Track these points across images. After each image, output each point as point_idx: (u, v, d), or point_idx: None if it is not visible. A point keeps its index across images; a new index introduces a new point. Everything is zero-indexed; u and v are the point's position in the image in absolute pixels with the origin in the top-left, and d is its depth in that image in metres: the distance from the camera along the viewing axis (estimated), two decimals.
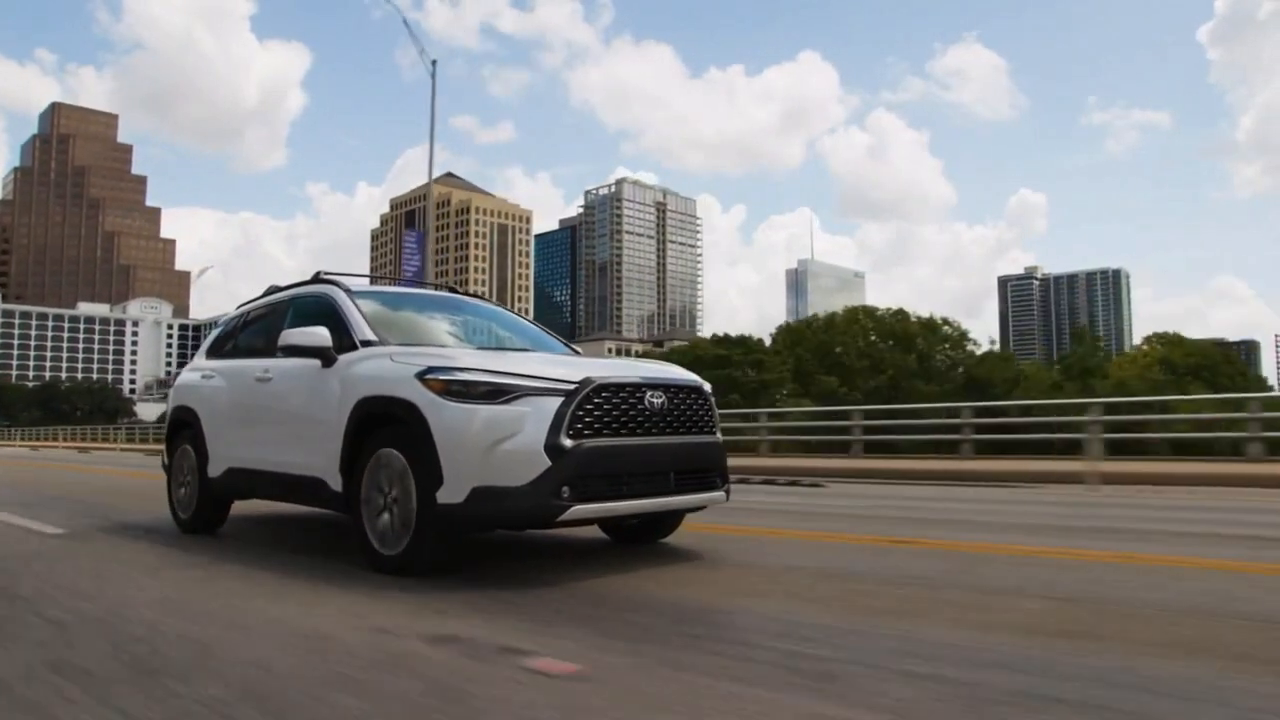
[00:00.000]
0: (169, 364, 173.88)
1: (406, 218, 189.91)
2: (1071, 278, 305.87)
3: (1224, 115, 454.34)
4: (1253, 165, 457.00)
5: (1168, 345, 56.36)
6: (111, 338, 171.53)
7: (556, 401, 3.55)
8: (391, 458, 3.73)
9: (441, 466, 3.48)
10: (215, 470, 5.16)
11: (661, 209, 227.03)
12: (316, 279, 5.15)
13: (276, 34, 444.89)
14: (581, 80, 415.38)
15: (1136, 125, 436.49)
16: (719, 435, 4.29)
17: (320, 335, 4.23)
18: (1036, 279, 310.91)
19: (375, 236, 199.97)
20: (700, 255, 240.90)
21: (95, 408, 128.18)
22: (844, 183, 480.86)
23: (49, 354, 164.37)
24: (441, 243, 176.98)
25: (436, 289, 6.20)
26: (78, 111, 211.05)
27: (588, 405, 3.62)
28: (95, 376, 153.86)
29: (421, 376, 3.64)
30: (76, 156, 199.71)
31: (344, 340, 4.27)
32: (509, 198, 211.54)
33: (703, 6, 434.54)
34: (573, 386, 3.61)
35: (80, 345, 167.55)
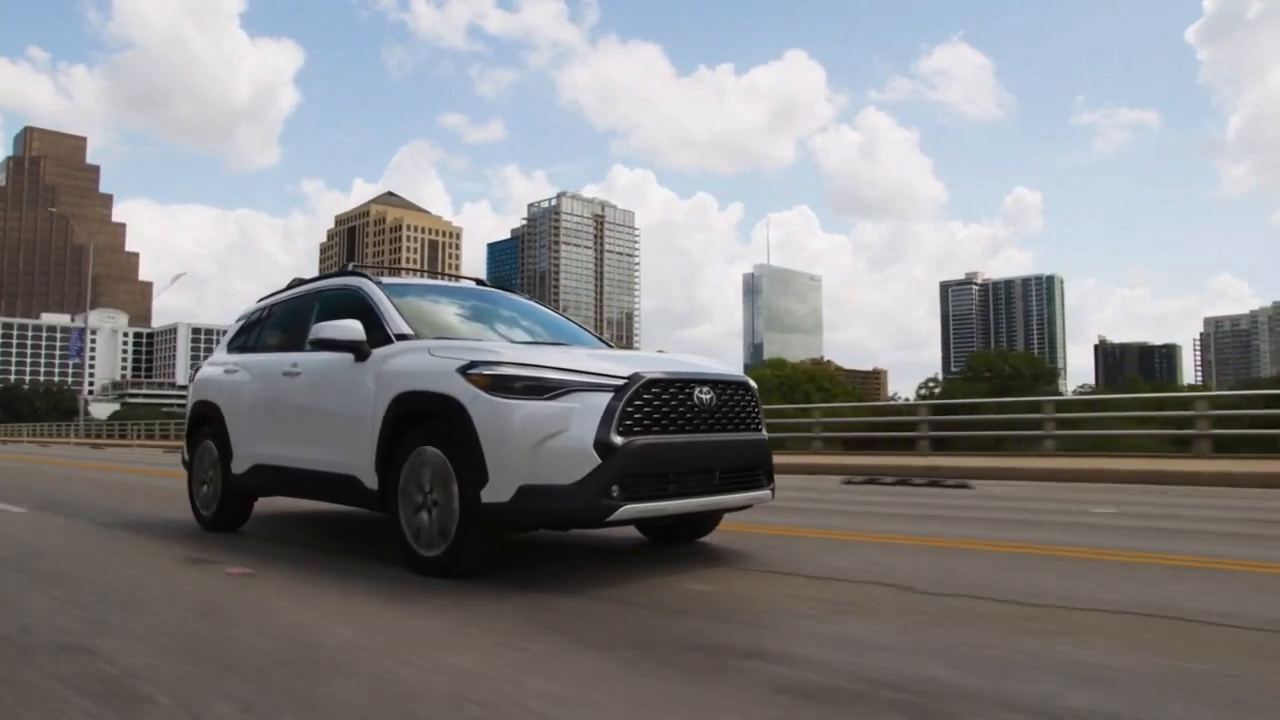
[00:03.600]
0: (124, 368, 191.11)
1: (348, 234, 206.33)
2: (1009, 283, 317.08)
3: (1210, 115, 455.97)
4: (1241, 164, 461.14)
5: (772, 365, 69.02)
6: (72, 345, 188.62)
7: (606, 397, 3.45)
8: (431, 455, 3.62)
9: (486, 464, 3.37)
10: (240, 467, 5.02)
11: (600, 221, 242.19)
12: (344, 271, 5.07)
13: (267, 31, 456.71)
14: (569, 80, 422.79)
15: (1125, 125, 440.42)
16: (765, 433, 4.17)
17: (354, 329, 4.11)
18: (976, 284, 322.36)
19: (323, 250, 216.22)
20: (638, 264, 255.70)
21: (52, 407, 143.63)
22: (836, 181, 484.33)
23: (13, 359, 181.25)
24: (377, 257, 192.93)
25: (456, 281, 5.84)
26: (49, 134, 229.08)
27: (637, 401, 3.50)
28: (56, 379, 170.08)
29: (464, 371, 3.53)
30: (47, 176, 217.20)
31: (377, 334, 4.15)
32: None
33: (687, 6, 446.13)
34: (622, 381, 3.50)
35: (43, 352, 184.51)
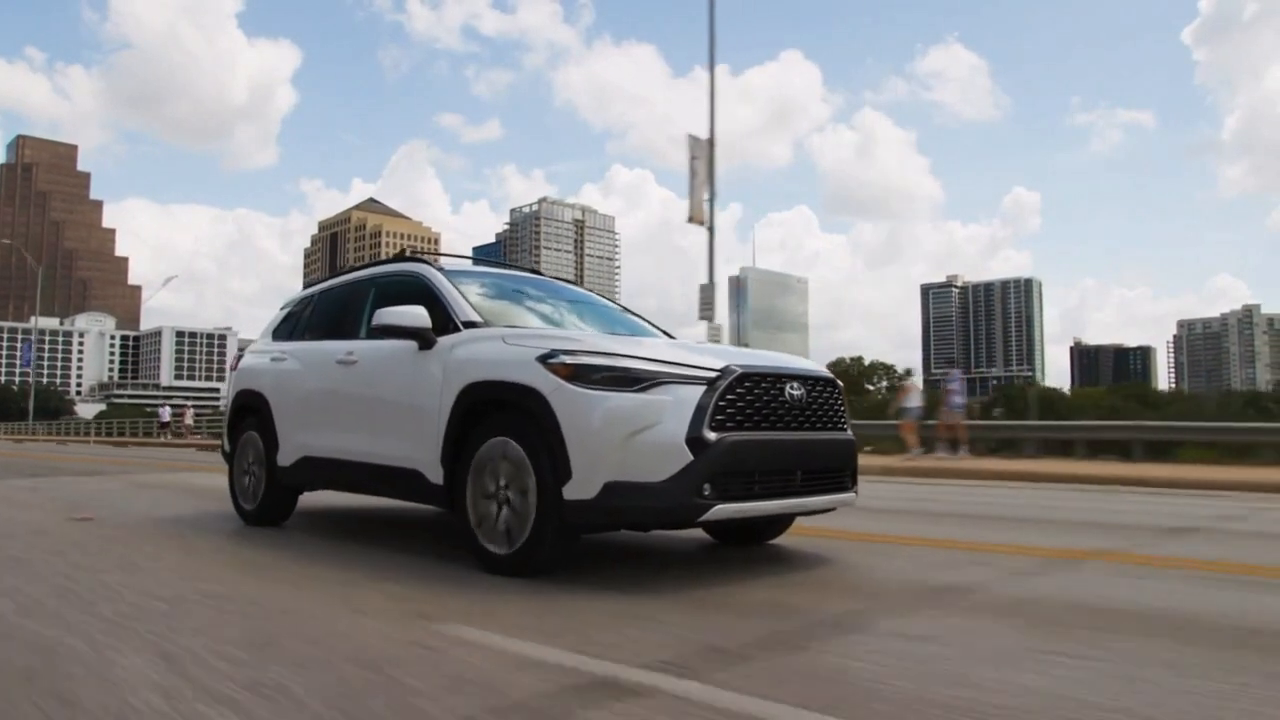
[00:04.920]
0: (111, 370, 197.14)
1: (330, 239, 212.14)
2: (988, 286, 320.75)
3: (1206, 116, 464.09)
4: (1237, 165, 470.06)
5: None
6: (60, 348, 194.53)
7: (698, 390, 3.29)
8: (506, 448, 3.47)
9: (570, 459, 3.21)
10: (287, 459, 4.85)
11: (580, 225, 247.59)
12: (402, 257, 4.87)
13: (264, 31, 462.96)
14: (565, 80, 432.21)
15: (1121, 125, 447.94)
16: (850, 432, 4.03)
17: (419, 315, 3.94)
18: (956, 287, 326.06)
19: (308, 255, 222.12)
20: (619, 267, 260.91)
21: (40, 407, 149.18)
22: (834, 181, 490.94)
23: (4, 361, 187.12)
24: (359, 262, 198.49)
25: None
26: (41, 142, 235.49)
27: (730, 395, 3.35)
28: (45, 381, 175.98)
29: (545, 360, 3.37)
30: (38, 183, 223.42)
31: (443, 321, 3.98)
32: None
33: (681, 7, 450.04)
34: (714, 374, 3.35)
35: (32, 354, 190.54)
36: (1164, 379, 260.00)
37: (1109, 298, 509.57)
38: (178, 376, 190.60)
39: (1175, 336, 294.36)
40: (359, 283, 4.99)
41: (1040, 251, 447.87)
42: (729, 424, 3.34)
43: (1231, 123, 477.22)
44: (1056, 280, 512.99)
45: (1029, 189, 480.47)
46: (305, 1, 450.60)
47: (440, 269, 4.44)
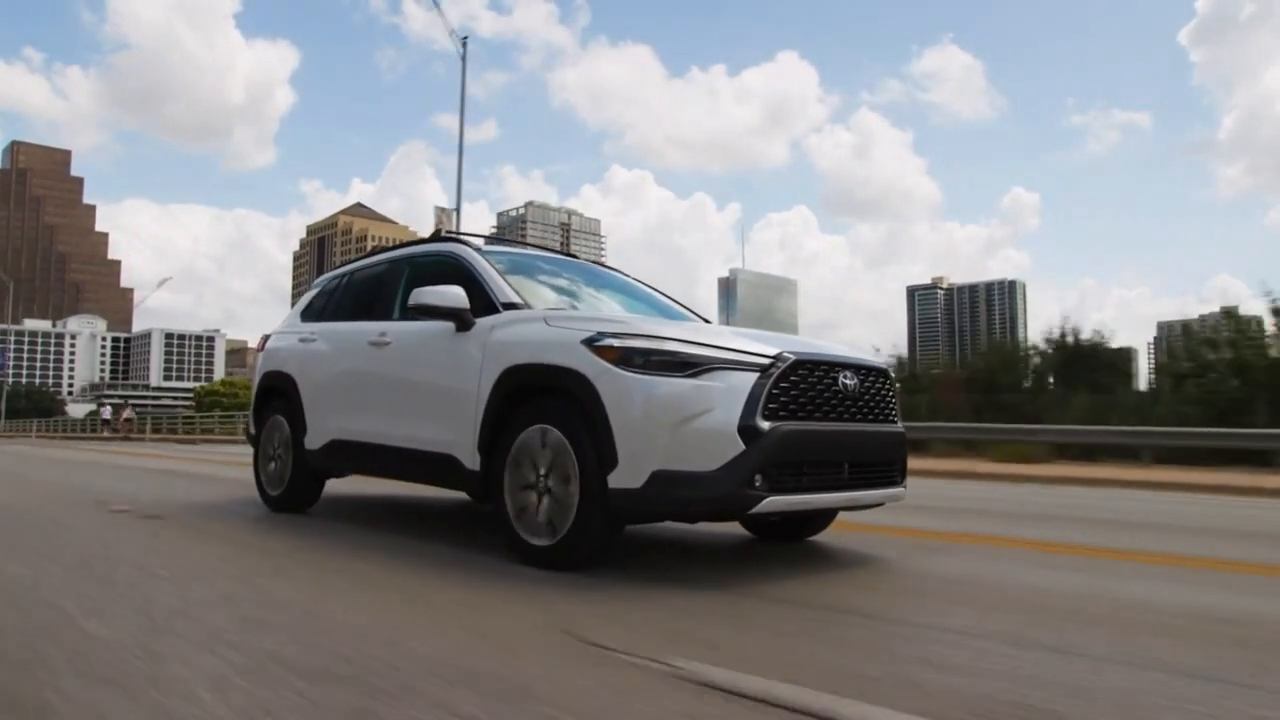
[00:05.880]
0: (102, 371, 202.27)
1: (318, 243, 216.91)
2: (972, 288, 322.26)
3: (1203, 116, 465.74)
4: (1234, 166, 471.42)
5: None
6: (52, 349, 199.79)
7: (751, 377, 3.18)
8: (547, 434, 3.35)
9: (616, 446, 3.10)
10: (315, 443, 4.76)
11: (565, 229, 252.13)
12: (438, 236, 4.79)
13: (261, 32, 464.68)
14: (561, 81, 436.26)
15: (1118, 126, 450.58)
16: (901, 425, 3.90)
17: (457, 295, 3.84)
18: (941, 289, 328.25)
19: (297, 258, 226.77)
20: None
21: (32, 407, 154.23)
22: (831, 182, 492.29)
23: None
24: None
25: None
26: (35, 148, 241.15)
27: (783, 384, 3.24)
28: (37, 381, 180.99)
29: (591, 343, 3.25)
30: (33, 188, 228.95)
31: (482, 302, 3.88)
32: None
33: (676, 8, 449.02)
34: (767, 361, 3.24)
35: (25, 355, 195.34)
36: (1145, 380, 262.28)
37: (1108, 298, 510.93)
38: (167, 377, 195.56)
39: (1155, 337, 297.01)
40: (393, 262, 4.88)
41: (1040, 251, 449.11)
42: (782, 413, 3.23)
43: (1229, 123, 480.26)
44: (1056, 280, 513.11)
45: (1028, 189, 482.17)
46: (302, 2, 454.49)
47: (477, 249, 4.36)
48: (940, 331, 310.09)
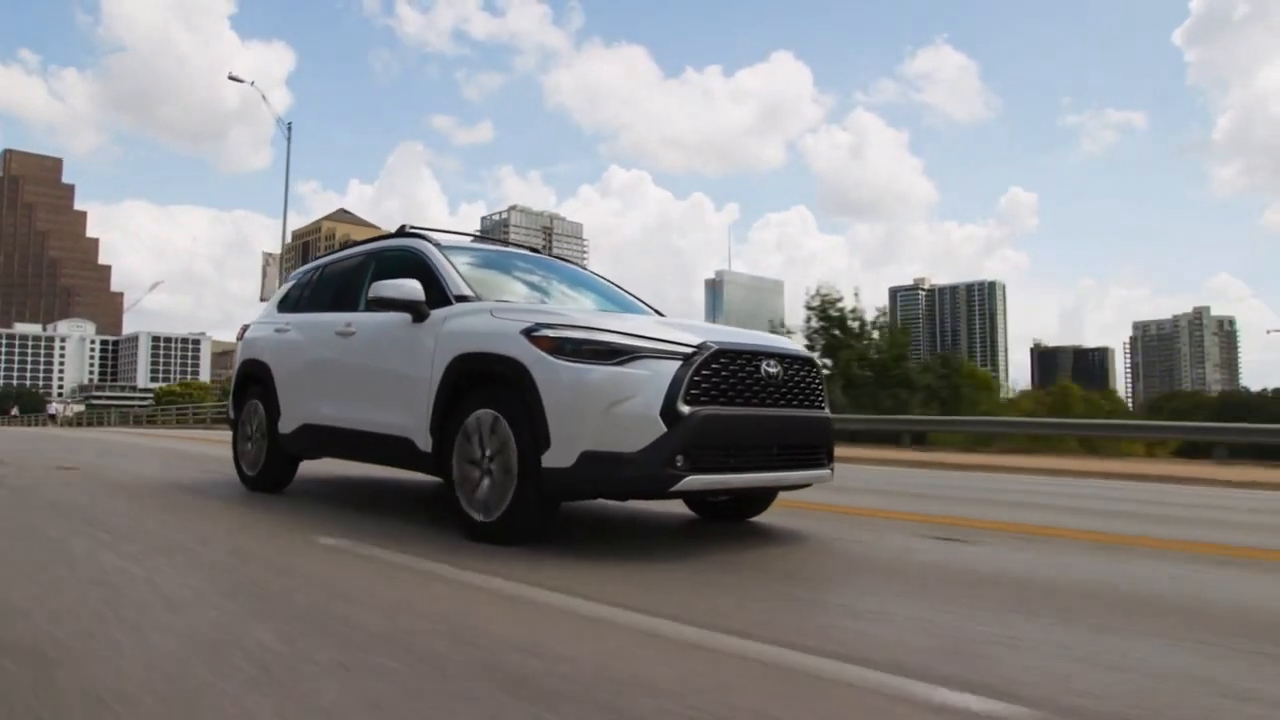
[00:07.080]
0: (90, 373, 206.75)
1: (303, 248, 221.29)
2: (953, 289, 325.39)
3: (1198, 116, 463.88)
4: (1229, 166, 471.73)
5: None
6: (42, 352, 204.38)
7: (674, 365, 3.38)
8: (490, 418, 3.58)
9: (549, 428, 3.32)
10: (287, 427, 5.03)
11: (548, 232, 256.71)
12: (401, 232, 4.98)
13: (258, 34, 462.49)
14: (555, 82, 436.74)
15: (1113, 126, 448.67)
16: (828, 411, 4.07)
17: (414, 288, 4.07)
18: (923, 290, 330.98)
19: (283, 263, 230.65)
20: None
21: (22, 407, 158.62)
22: (829, 182, 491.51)
23: None
24: None
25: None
26: (27, 156, 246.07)
27: (705, 371, 3.43)
28: (28, 383, 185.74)
29: (529, 333, 3.49)
30: (25, 195, 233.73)
31: (436, 295, 4.12)
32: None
33: (669, 9, 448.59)
34: (690, 350, 3.44)
35: (15, 358, 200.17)
36: (1121, 379, 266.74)
37: (1108, 297, 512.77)
38: (153, 379, 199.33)
39: (1131, 338, 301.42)
40: (360, 257, 5.12)
41: (1039, 252, 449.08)
42: (703, 398, 3.39)
43: (1223, 123, 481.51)
44: (1056, 280, 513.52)
45: (1026, 189, 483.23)
46: (296, 4, 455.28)
47: (436, 244, 4.55)
48: (922, 331, 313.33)
